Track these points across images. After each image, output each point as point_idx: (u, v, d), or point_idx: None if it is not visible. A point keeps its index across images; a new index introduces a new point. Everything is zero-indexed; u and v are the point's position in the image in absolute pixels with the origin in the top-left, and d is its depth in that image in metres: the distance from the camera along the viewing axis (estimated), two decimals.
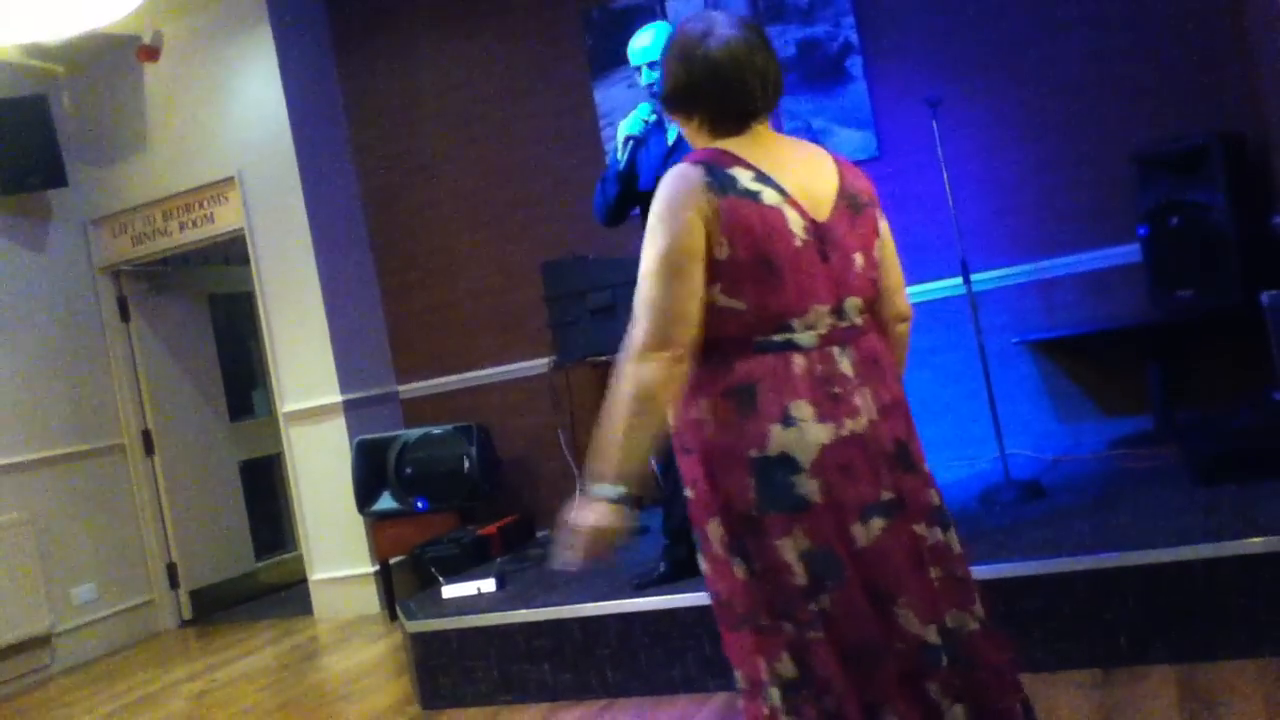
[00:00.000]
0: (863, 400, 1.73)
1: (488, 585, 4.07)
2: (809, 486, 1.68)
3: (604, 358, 5.11)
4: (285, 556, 6.97)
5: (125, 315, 6.34)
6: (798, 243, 1.71)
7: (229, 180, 5.90)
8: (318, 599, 5.85)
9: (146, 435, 6.31)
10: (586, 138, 5.44)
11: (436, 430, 5.49)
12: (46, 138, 5.83)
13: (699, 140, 1.86)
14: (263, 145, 5.79)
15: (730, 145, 1.78)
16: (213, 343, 6.86)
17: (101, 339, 6.25)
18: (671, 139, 3.70)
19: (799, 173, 1.77)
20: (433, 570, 4.77)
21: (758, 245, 1.69)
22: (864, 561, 1.69)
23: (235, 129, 5.88)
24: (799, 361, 1.71)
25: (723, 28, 1.79)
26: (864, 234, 1.81)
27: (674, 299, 1.68)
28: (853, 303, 1.77)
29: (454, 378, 5.93)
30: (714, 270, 1.70)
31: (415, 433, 5.54)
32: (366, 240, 6.10)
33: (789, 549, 1.68)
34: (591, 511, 1.72)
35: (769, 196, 1.72)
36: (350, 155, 6.09)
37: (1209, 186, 4.05)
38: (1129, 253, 4.38)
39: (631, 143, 3.64)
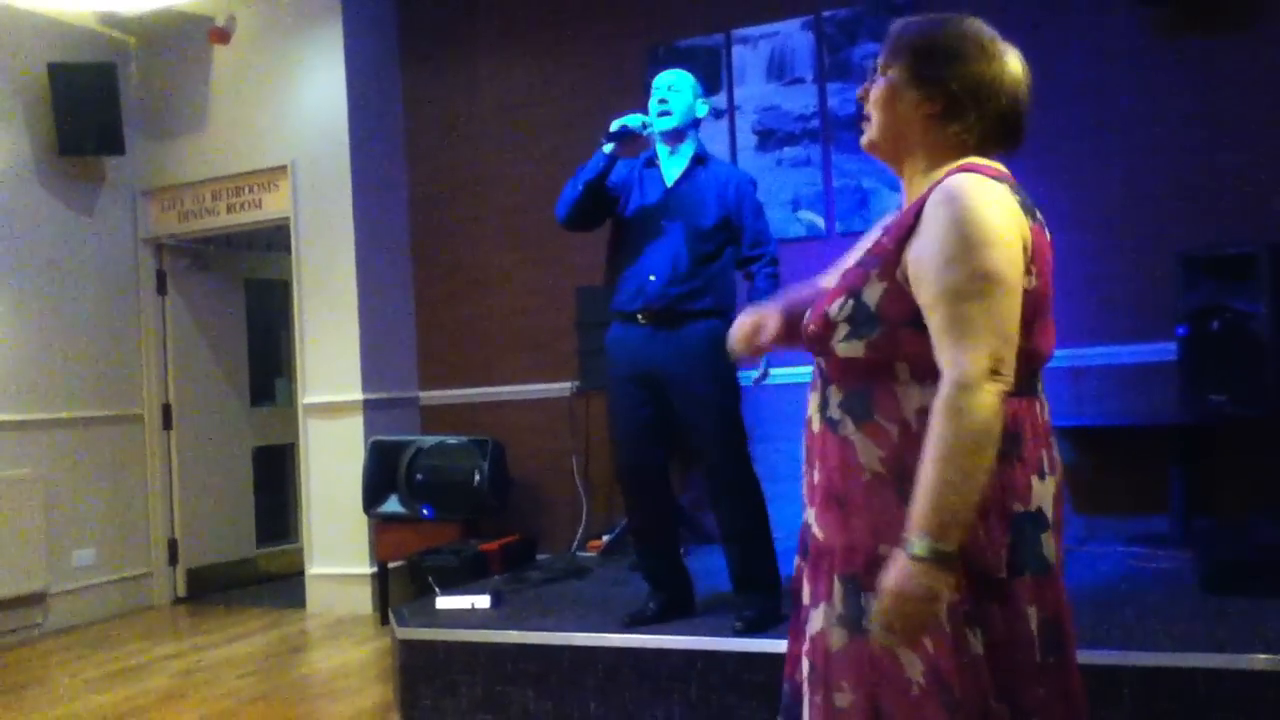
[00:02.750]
0: (1058, 454, 1.65)
1: (482, 601, 4.05)
2: (1050, 547, 1.55)
3: None
4: (286, 547, 6.97)
5: (162, 288, 6.40)
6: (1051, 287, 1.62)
7: (281, 169, 5.97)
8: (312, 593, 5.85)
9: (166, 409, 6.35)
10: None
11: (452, 440, 5.50)
12: (110, 105, 5.92)
13: (940, 145, 1.63)
14: (319, 139, 5.86)
15: (999, 167, 1.62)
16: (243, 326, 6.91)
17: (135, 309, 6.31)
18: (671, 181, 3.63)
19: None
20: (430, 579, 4.75)
21: (1048, 281, 1.57)
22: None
23: (294, 120, 5.95)
24: (1038, 408, 1.60)
25: (1003, 41, 1.64)
26: None
27: (1008, 322, 1.48)
28: None
29: (476, 390, 5.94)
30: None
31: (430, 440, 5.55)
32: (408, 245, 6.15)
33: (1033, 619, 1.51)
34: (902, 572, 1.45)
35: (1047, 232, 1.60)
36: (403, 160, 6.15)
37: (1253, 294, 4.01)
38: (1164, 350, 4.35)
39: (623, 132, 3.52)
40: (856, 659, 1.55)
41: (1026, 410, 1.57)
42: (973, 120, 1.60)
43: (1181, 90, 4.53)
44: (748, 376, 3.76)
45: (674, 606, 3.65)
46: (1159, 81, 4.57)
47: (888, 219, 1.68)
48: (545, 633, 3.63)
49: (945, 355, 1.48)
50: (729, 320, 3.54)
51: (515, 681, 3.61)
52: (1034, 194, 1.69)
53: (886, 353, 1.56)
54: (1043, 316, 1.58)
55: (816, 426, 1.67)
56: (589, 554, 5.18)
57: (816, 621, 1.62)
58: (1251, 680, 2.74)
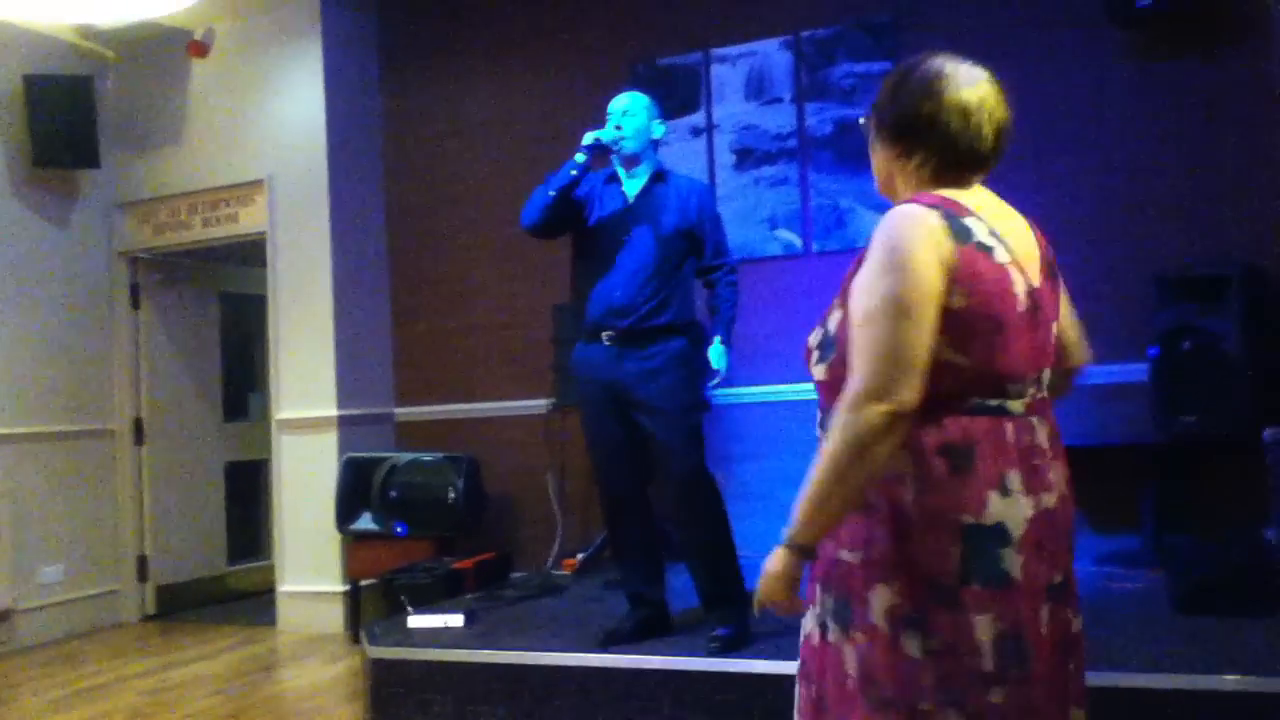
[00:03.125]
0: (1055, 475, 1.68)
1: (455, 620, 4.02)
2: (1014, 562, 1.59)
3: None
4: (257, 564, 6.90)
5: (136, 302, 6.35)
6: (1020, 306, 1.65)
7: (258, 183, 5.95)
8: (283, 611, 5.79)
9: (138, 424, 6.29)
10: None
11: (427, 457, 5.47)
12: (86, 118, 5.89)
13: (911, 181, 1.75)
14: (296, 153, 5.84)
15: (954, 195, 1.70)
16: (217, 340, 6.86)
17: (109, 323, 6.26)
18: (632, 195, 3.68)
19: (1016, 232, 1.72)
20: (402, 598, 4.72)
21: (991, 301, 1.62)
22: (1044, 650, 1.62)
23: (271, 134, 5.93)
24: (1009, 428, 1.64)
25: (970, 68, 1.72)
26: (1057, 302, 1.78)
27: (905, 344, 1.55)
28: (1046, 373, 1.74)
29: (452, 406, 5.91)
30: (944, 320, 1.59)
31: (405, 456, 5.52)
32: (385, 259, 6.12)
33: (983, 628, 1.58)
34: (772, 555, 1.65)
35: (1000, 254, 1.65)
36: (381, 173, 6.14)
37: (1226, 316, 4.05)
38: (1136, 371, 4.37)
39: (596, 146, 3.59)
40: (824, 654, 1.70)
41: (985, 428, 1.63)
42: (926, 154, 1.72)
43: (1155, 112, 4.57)
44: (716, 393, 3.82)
45: (651, 625, 3.63)
46: (1133, 104, 4.61)
47: None
48: (518, 651, 3.60)
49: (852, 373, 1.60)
50: (692, 337, 3.62)
51: (487, 701, 3.58)
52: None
53: (842, 374, 1.65)
54: (993, 336, 1.63)
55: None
56: (564, 572, 5.15)
57: (808, 623, 1.77)
58: (1223, 701, 2.75)
